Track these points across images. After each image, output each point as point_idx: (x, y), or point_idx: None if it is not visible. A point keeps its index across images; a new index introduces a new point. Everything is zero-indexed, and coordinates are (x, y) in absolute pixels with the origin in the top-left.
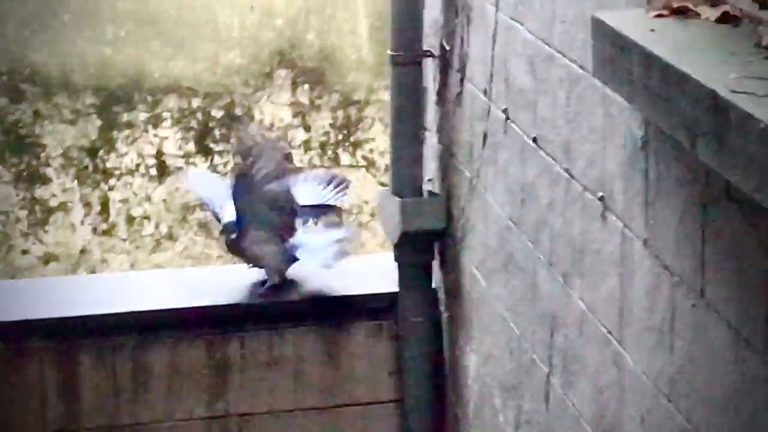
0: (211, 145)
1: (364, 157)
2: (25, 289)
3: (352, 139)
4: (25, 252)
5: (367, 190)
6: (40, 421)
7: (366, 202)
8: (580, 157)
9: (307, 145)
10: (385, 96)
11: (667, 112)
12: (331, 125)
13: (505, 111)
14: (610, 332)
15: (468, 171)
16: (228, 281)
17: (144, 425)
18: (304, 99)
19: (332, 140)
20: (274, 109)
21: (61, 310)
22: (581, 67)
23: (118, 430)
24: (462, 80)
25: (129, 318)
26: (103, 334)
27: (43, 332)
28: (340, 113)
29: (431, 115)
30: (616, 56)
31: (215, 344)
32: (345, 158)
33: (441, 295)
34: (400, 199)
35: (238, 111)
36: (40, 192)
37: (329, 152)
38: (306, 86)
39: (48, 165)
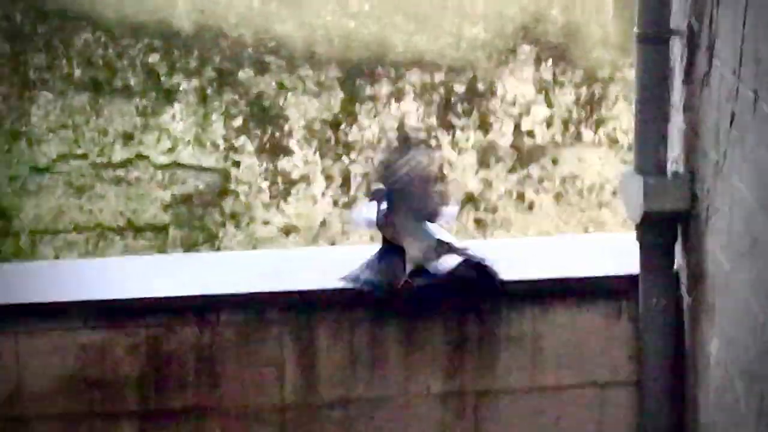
0: (453, 120)
1: (607, 135)
2: (263, 260)
3: (595, 116)
4: (266, 223)
5: (609, 168)
6: (278, 393)
7: (608, 181)
8: None
9: (549, 122)
10: (630, 74)
11: None
12: (574, 102)
13: (755, 91)
14: None
15: (714, 152)
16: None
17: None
18: (547, 75)
19: (575, 117)
20: (516, 85)
21: (298, 284)
22: None
23: (355, 402)
24: (710, 59)
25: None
26: (341, 309)
27: (282, 305)
28: (583, 90)
29: (677, 94)
30: None
31: (454, 320)
32: (587, 136)
33: (683, 277)
34: (643, 178)
35: (480, 86)
36: (282, 164)
37: (571, 129)
38: (549, 62)
39: (291, 137)
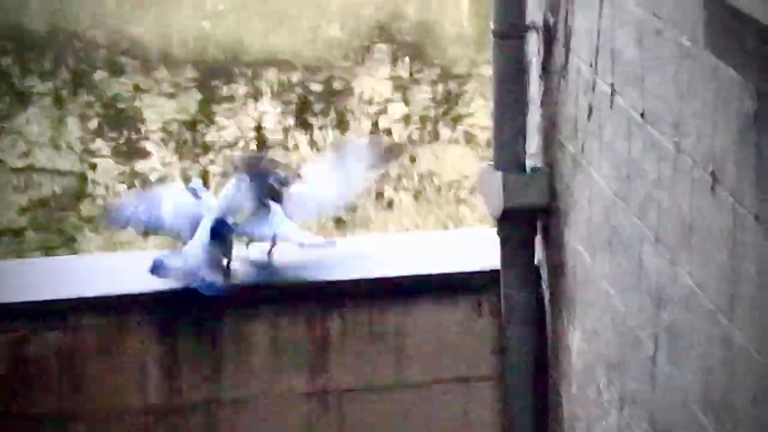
0: (310, 119)
1: (465, 132)
2: (122, 263)
3: (452, 113)
4: None
5: (466, 165)
6: (141, 395)
7: (465, 177)
8: (690, 132)
9: (407, 120)
10: (487, 71)
11: None
12: (431, 99)
13: (611, 85)
14: (719, 309)
15: (572, 146)
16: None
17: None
18: (404, 73)
19: (432, 115)
20: (373, 83)
21: (161, 284)
22: (691, 39)
23: (219, 403)
24: (566, 54)
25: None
26: (203, 308)
27: (143, 306)
28: (440, 87)
29: (534, 89)
30: (729, 28)
31: (316, 319)
32: (445, 133)
33: (543, 272)
34: (502, 174)
35: (337, 85)
36: (140, 165)
37: (429, 127)
38: (406, 60)
39: (148, 139)
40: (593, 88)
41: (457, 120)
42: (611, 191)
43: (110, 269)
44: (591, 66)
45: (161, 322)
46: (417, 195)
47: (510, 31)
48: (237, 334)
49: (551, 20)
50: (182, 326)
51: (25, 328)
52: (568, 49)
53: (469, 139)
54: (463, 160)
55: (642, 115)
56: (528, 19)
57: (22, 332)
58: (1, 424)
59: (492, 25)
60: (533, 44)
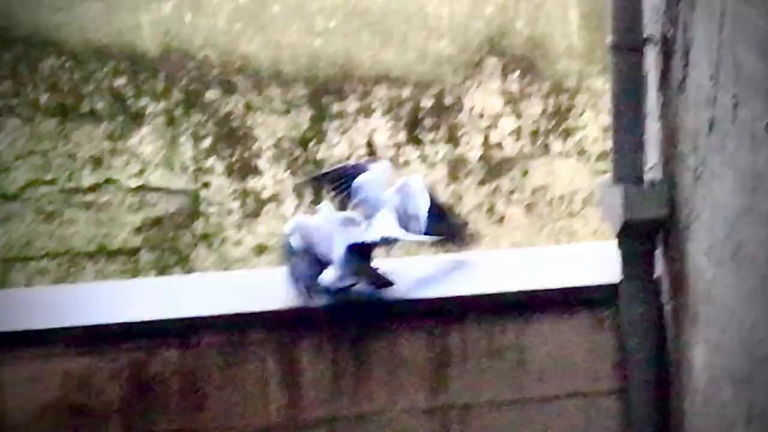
0: (421, 135)
1: (576, 145)
2: (238, 281)
3: (563, 126)
4: (238, 243)
5: (578, 178)
6: (262, 412)
7: (577, 191)
8: None
9: (517, 134)
10: (597, 83)
11: None
12: (541, 113)
13: (734, 97)
14: None
15: (692, 159)
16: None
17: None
18: (514, 87)
19: (543, 128)
20: (484, 98)
21: (280, 302)
22: None
23: (340, 421)
24: (685, 66)
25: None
26: (323, 326)
27: (263, 324)
28: (551, 101)
29: (652, 102)
30: None
31: (435, 335)
32: (556, 146)
33: (664, 285)
34: (622, 187)
35: (448, 100)
36: (252, 183)
37: (540, 140)
38: (516, 74)
39: (259, 156)
40: (714, 101)
41: (568, 133)
42: (735, 205)
43: (228, 287)
44: (711, 79)
45: (281, 340)
46: (529, 209)
47: (628, 45)
48: (357, 350)
49: (669, 33)
50: (302, 343)
51: (145, 348)
52: (687, 62)
53: (581, 152)
54: (575, 174)
55: (767, 127)
56: (646, 33)
57: (142, 352)
58: None
59: (609, 39)
60: (651, 57)
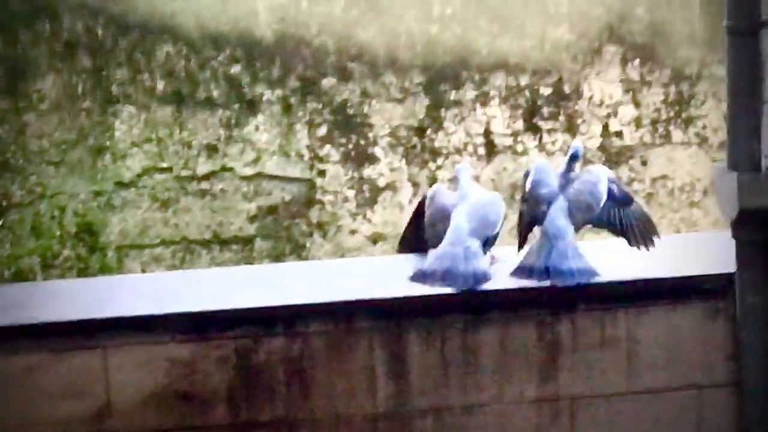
0: (540, 123)
1: (697, 134)
2: (350, 269)
3: (684, 115)
4: (353, 232)
5: (699, 167)
6: (369, 401)
7: (698, 180)
8: None
9: (637, 122)
10: (719, 70)
11: None
12: (662, 101)
13: None
14: None
15: None
16: None
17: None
18: (634, 75)
19: (663, 117)
20: (603, 86)
21: (389, 291)
22: None
23: (448, 410)
24: None
25: (457, 299)
26: (431, 314)
27: (371, 312)
28: (671, 89)
29: None
30: None
31: (546, 324)
32: (677, 135)
33: None
34: (737, 174)
35: (566, 88)
36: (368, 171)
37: (660, 129)
38: (636, 62)
39: (376, 144)
40: None
41: (688, 122)
42: None
43: (338, 275)
44: None
45: (389, 328)
46: (649, 198)
47: (744, 28)
48: (465, 339)
49: None
50: (410, 332)
51: (253, 335)
52: None
53: (702, 141)
54: (696, 163)
55: None
56: (763, 16)
57: (249, 338)
58: (231, 431)
59: (726, 22)
60: (767, 42)
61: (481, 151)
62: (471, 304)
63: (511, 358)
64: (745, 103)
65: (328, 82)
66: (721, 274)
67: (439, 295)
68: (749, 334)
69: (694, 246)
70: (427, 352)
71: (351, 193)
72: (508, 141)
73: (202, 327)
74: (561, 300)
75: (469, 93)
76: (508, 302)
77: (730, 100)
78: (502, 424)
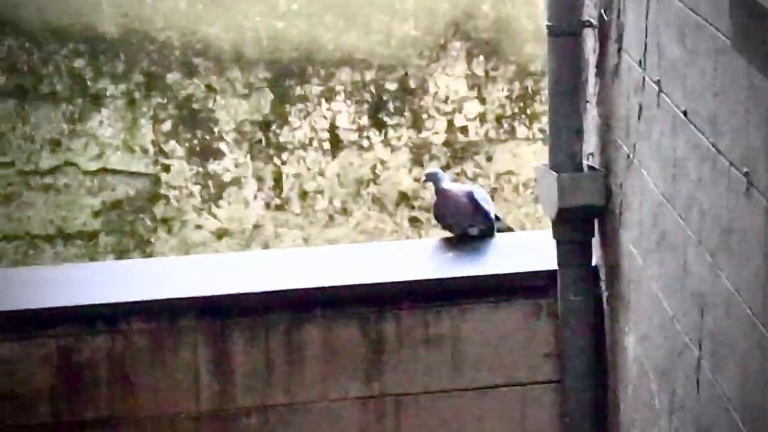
0: (385, 118)
1: (541, 130)
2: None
3: (528, 111)
4: (198, 227)
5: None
6: (193, 400)
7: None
8: (725, 132)
9: (482, 118)
10: None
11: None
12: (507, 97)
13: (657, 83)
14: (755, 315)
15: (625, 145)
16: (396, 257)
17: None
18: (479, 71)
19: (508, 113)
20: (448, 82)
21: (211, 289)
22: (727, 36)
23: (272, 409)
24: (619, 51)
25: (279, 296)
26: (256, 313)
27: (195, 311)
28: (516, 85)
29: (591, 87)
30: (754, 26)
31: (370, 322)
32: (521, 131)
33: (602, 273)
34: (558, 174)
35: (412, 83)
36: (213, 167)
37: (505, 125)
38: (481, 58)
39: (221, 139)
40: (643, 87)
41: (533, 118)
42: (659, 192)
43: (167, 273)
44: (640, 64)
45: (212, 327)
46: (494, 194)
47: (564, 29)
48: (289, 337)
49: (606, 17)
50: (233, 330)
51: (74, 334)
52: (620, 47)
53: (547, 137)
54: (541, 159)
55: (685, 113)
56: (584, 16)
57: (70, 337)
58: (53, 431)
59: (547, 22)
60: (590, 42)
61: (327, 146)
62: (295, 302)
63: (336, 357)
64: (566, 103)
65: (172, 77)
66: (543, 272)
67: (262, 293)
68: (571, 331)
69: (523, 244)
70: (251, 351)
71: (196, 189)
72: (354, 136)
73: (23, 325)
74: (385, 298)
75: (315, 88)
76: (332, 299)
77: (551, 101)
78: (328, 422)
